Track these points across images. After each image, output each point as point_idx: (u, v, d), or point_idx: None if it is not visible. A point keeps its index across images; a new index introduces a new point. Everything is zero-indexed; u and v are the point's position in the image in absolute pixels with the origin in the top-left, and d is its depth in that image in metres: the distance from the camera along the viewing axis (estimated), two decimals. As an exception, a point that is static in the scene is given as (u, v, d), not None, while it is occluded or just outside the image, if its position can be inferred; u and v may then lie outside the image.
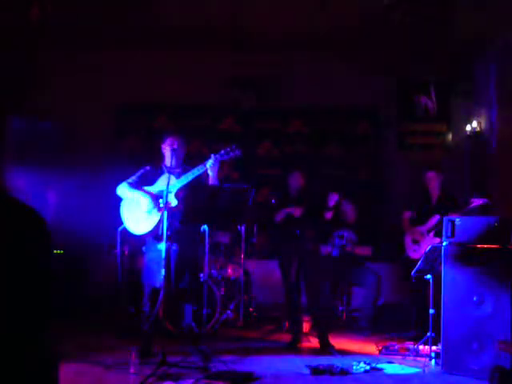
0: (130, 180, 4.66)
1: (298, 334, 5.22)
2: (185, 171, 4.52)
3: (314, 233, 5.21)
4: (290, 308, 5.27)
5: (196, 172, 4.44)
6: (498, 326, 4.05)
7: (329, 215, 5.13)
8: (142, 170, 4.70)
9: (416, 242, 5.64)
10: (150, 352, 4.42)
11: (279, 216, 5.23)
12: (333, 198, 5.03)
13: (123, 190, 4.64)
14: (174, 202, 4.39)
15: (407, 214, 5.78)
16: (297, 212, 5.16)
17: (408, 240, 5.73)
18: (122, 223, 4.76)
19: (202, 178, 4.52)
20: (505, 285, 4.08)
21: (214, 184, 4.50)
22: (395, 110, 7.75)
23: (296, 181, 5.32)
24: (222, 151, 4.43)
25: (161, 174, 4.65)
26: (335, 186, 5.60)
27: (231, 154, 4.44)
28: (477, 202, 5.19)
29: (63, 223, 5.78)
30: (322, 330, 5.07)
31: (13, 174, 6.01)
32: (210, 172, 4.45)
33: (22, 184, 5.87)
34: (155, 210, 4.48)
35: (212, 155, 4.43)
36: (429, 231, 5.55)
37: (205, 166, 4.43)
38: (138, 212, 4.57)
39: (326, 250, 6.23)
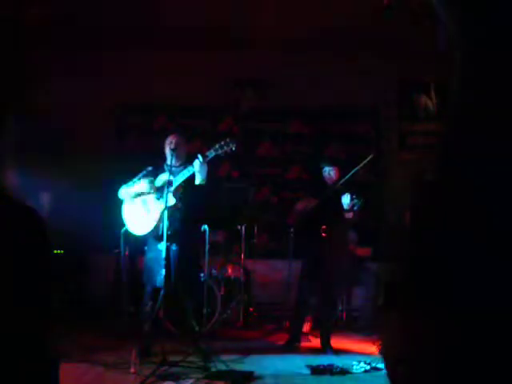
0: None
1: (299, 334, 5.22)
2: (184, 170, 4.50)
3: (338, 232, 5.20)
4: (301, 307, 5.26)
5: (186, 173, 4.40)
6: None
7: (350, 215, 5.11)
8: (143, 172, 4.69)
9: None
10: (150, 352, 4.42)
11: (300, 205, 5.26)
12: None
13: (125, 190, 4.62)
14: (172, 201, 4.37)
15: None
16: (311, 202, 5.16)
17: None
18: (122, 222, 4.75)
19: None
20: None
21: (200, 183, 4.39)
22: (395, 110, 7.74)
23: (335, 175, 5.27)
24: (217, 145, 4.33)
25: (162, 173, 4.64)
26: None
27: (225, 148, 4.31)
28: None
29: (63, 223, 5.78)
30: (326, 331, 5.07)
31: (12, 174, 6.00)
32: (197, 173, 4.36)
33: (21, 184, 5.86)
34: (158, 202, 4.44)
35: (199, 155, 4.32)
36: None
37: (192, 167, 4.35)
38: (139, 213, 4.57)
39: None
